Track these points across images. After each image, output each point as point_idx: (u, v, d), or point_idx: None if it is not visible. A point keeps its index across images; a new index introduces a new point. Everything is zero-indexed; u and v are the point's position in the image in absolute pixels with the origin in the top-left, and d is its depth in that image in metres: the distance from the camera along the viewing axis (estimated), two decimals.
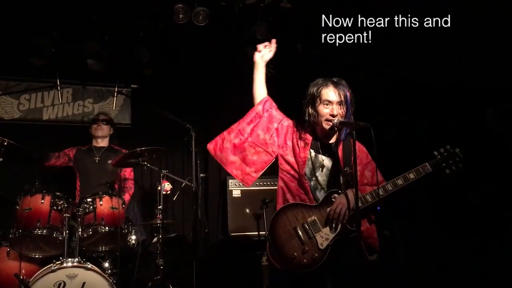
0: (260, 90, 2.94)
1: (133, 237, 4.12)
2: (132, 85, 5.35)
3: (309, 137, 2.81)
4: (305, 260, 2.61)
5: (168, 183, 4.54)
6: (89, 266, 3.56)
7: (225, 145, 2.85)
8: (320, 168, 2.78)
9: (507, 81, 4.38)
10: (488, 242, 4.47)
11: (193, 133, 4.19)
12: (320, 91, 2.77)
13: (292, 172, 2.79)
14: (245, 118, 2.91)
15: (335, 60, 5.07)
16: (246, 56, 5.00)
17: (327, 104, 2.75)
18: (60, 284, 3.42)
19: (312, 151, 2.79)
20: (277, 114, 2.90)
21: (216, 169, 5.47)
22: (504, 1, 4.03)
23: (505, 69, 4.34)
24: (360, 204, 2.62)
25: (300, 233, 2.66)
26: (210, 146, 2.91)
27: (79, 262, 3.57)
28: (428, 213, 5.07)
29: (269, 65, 5.16)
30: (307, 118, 2.81)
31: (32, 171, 4.30)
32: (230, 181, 5.21)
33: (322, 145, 2.82)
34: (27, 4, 4.44)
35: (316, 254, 2.61)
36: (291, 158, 2.80)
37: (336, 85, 2.78)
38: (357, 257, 2.62)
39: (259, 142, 2.83)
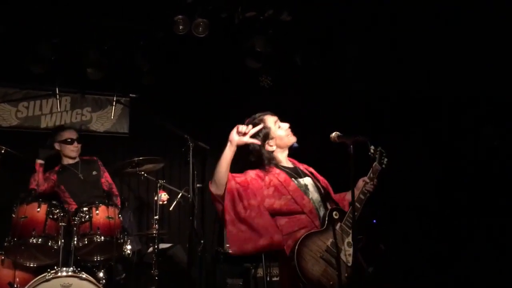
0: (226, 168, 2.60)
1: (129, 246, 4.10)
2: (131, 95, 5.36)
3: (278, 170, 2.77)
4: (342, 283, 2.57)
5: (165, 193, 4.53)
6: (84, 276, 3.54)
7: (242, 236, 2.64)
8: (308, 190, 2.78)
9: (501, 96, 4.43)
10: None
11: (191, 144, 4.19)
12: (265, 121, 2.78)
13: (293, 208, 2.70)
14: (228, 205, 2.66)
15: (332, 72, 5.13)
16: (245, 67, 5.06)
17: (276, 123, 2.79)
18: None
19: (292, 179, 2.76)
20: (241, 179, 2.71)
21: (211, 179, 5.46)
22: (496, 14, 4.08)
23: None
24: (355, 213, 2.65)
25: (329, 259, 2.61)
26: (235, 249, 2.64)
27: (73, 271, 3.55)
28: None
29: (267, 77, 5.28)
30: (267, 155, 2.76)
31: (29, 179, 4.27)
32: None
33: (291, 170, 2.81)
34: (27, 11, 4.47)
35: (346, 274, 2.60)
36: (283, 201, 2.70)
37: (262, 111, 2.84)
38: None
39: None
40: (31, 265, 3.78)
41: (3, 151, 3.79)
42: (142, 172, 4.26)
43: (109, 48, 4.91)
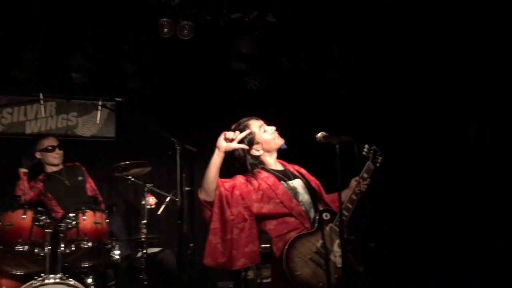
0: (215, 175, 2.58)
1: (117, 252, 4.04)
2: (116, 99, 5.31)
3: (266, 174, 2.76)
4: (332, 285, 2.57)
5: (153, 197, 4.51)
6: (72, 283, 3.49)
7: (219, 249, 2.62)
8: (298, 192, 2.77)
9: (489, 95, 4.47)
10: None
11: (178, 147, 4.18)
12: (249, 126, 2.77)
13: (282, 211, 2.69)
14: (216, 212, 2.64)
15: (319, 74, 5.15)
16: (231, 69, 5.05)
17: (261, 128, 2.78)
18: None
19: (281, 182, 2.75)
20: (229, 183, 2.68)
21: (200, 182, 5.45)
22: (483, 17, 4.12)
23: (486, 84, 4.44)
24: (346, 213, 2.67)
25: (318, 261, 2.61)
26: (208, 261, 2.62)
27: (61, 278, 3.50)
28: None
29: (253, 78, 5.28)
30: (252, 161, 2.75)
31: (14, 186, 4.21)
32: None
33: (281, 172, 2.80)
34: (9, 16, 4.42)
35: (336, 275, 2.59)
36: (271, 205, 2.68)
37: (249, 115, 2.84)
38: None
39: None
40: (18, 273, 3.72)
41: None
42: (130, 177, 4.22)
43: (94, 52, 4.88)
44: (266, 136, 2.79)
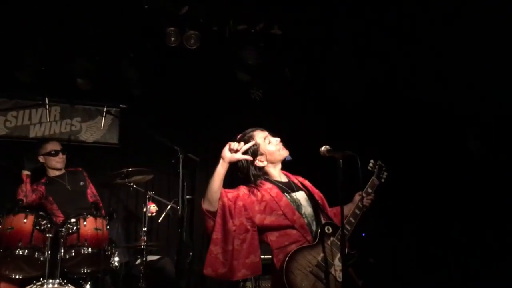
0: (219, 185, 2.61)
1: (116, 258, 4.05)
2: (121, 105, 5.35)
3: (270, 185, 2.77)
4: None
5: (154, 205, 4.51)
6: None
7: (220, 259, 2.62)
8: (301, 204, 2.77)
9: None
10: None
11: (181, 155, 4.18)
12: (254, 137, 2.79)
13: (284, 223, 2.69)
14: (219, 222, 2.65)
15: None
16: (236, 80, 5.08)
17: (266, 139, 2.80)
18: None
19: (285, 194, 2.75)
20: (233, 194, 2.69)
21: (203, 191, 5.44)
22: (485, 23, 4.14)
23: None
24: (348, 228, 2.69)
25: (318, 274, 2.60)
26: (208, 271, 2.62)
27: (60, 284, 3.51)
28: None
29: (257, 89, 5.31)
30: (255, 172, 2.76)
31: (16, 190, 4.22)
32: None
33: (284, 184, 2.81)
34: (15, 20, 4.46)
35: None
36: (274, 216, 2.69)
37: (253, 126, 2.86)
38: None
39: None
40: (17, 277, 3.72)
41: None
42: (131, 184, 4.23)
43: (99, 58, 4.92)
44: (270, 147, 2.80)
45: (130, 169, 4.15)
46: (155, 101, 5.37)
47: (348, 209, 2.81)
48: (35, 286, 3.44)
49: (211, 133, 5.22)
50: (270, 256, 2.75)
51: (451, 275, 4.71)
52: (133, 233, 5.27)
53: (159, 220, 4.83)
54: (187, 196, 4.92)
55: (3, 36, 4.52)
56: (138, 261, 4.50)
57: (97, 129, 5.32)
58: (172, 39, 4.60)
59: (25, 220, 3.66)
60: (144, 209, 4.39)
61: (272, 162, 2.82)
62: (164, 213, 4.78)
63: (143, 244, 4.27)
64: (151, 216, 4.58)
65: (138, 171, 4.24)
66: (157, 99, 5.37)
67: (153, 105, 5.37)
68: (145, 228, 4.33)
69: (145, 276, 4.19)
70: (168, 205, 4.69)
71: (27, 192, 4.14)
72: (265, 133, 2.84)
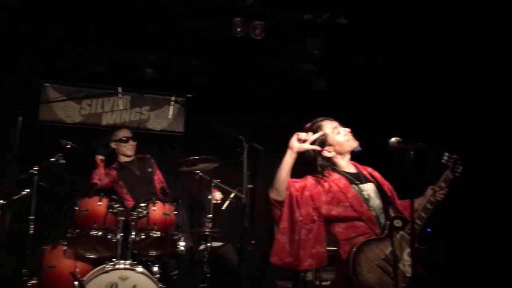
0: (287, 175, 2.62)
1: (182, 243, 4.17)
2: (187, 95, 5.48)
3: (337, 176, 2.74)
4: None
5: (219, 193, 4.60)
6: (140, 270, 3.65)
7: (287, 248, 2.65)
8: (369, 196, 2.73)
9: None
10: None
11: (245, 144, 4.24)
12: (323, 127, 2.77)
13: (351, 215, 2.68)
14: (286, 212, 2.66)
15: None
16: (302, 70, 5.07)
17: (335, 129, 2.77)
18: (112, 285, 3.53)
19: (353, 185, 2.72)
20: (300, 184, 2.71)
21: (264, 180, 5.52)
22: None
23: None
24: (419, 222, 2.64)
25: (386, 268, 2.57)
26: (275, 259, 2.66)
27: (130, 264, 3.67)
28: None
29: (321, 79, 5.27)
30: (322, 163, 2.75)
31: (90, 174, 4.45)
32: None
33: (353, 175, 2.78)
34: (91, 16, 4.66)
35: (404, 284, 2.56)
36: (341, 208, 2.68)
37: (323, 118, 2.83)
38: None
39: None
40: (91, 257, 3.90)
41: (68, 146, 3.98)
42: (197, 171, 4.34)
43: (167, 49, 5.06)
44: (339, 138, 2.78)
45: (196, 157, 4.25)
46: (220, 91, 5.45)
47: (418, 202, 2.74)
48: (108, 266, 3.61)
49: (276, 122, 5.24)
50: (333, 248, 2.75)
51: None
52: (196, 219, 5.41)
53: (223, 208, 4.93)
54: (249, 185, 5.01)
55: (79, 30, 4.75)
56: (202, 246, 4.63)
57: (164, 117, 5.50)
58: (238, 29, 4.63)
59: (99, 203, 3.84)
60: (209, 196, 4.49)
61: (340, 153, 2.80)
62: (227, 201, 4.86)
63: (207, 230, 4.38)
64: (216, 204, 4.68)
65: (204, 159, 4.34)
66: (223, 88, 5.45)
67: (218, 95, 5.46)
68: (211, 215, 4.43)
69: (209, 261, 4.29)
70: (232, 193, 4.77)
71: (101, 175, 4.37)
72: (334, 123, 2.82)
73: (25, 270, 3.76)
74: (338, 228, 2.69)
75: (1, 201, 3.75)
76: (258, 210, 5.58)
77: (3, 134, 4.17)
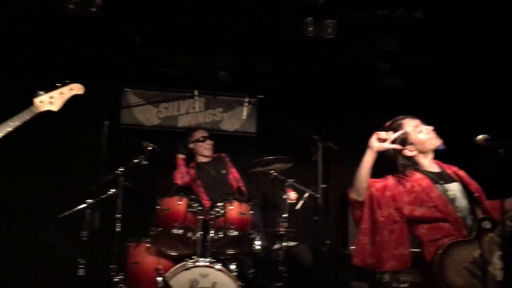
0: (367, 174, 2.60)
1: (258, 242, 4.22)
2: (258, 96, 5.56)
3: (419, 175, 2.67)
4: None
5: (294, 192, 4.62)
6: (219, 267, 3.75)
7: (368, 249, 2.64)
8: (455, 196, 2.64)
9: None
10: None
11: (320, 144, 4.24)
12: (403, 125, 2.70)
13: (436, 216, 2.62)
14: (366, 212, 2.65)
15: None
16: (375, 68, 4.97)
17: (417, 127, 2.69)
18: (193, 281, 3.66)
19: (436, 185, 2.64)
20: (380, 184, 2.67)
21: (337, 180, 5.48)
22: None
23: None
24: (510, 224, 2.51)
25: (474, 271, 2.50)
26: (357, 260, 2.66)
27: (210, 262, 3.78)
28: None
29: (396, 77, 5.13)
30: (404, 162, 2.69)
31: (170, 174, 4.63)
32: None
33: (436, 174, 2.69)
34: (167, 22, 4.83)
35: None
36: (424, 208, 2.62)
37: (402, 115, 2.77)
38: None
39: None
40: (172, 254, 4.04)
41: (150, 148, 4.17)
42: (272, 171, 4.39)
43: (239, 51, 5.15)
44: (421, 136, 2.71)
45: (271, 157, 4.30)
46: (292, 91, 5.47)
47: (509, 203, 2.61)
48: (189, 263, 3.73)
49: (350, 121, 5.19)
50: (415, 249, 2.68)
51: None
52: (269, 218, 5.46)
53: (297, 207, 4.94)
54: (322, 185, 4.99)
55: (156, 37, 4.94)
56: (276, 246, 4.66)
57: (237, 119, 5.61)
58: (310, 29, 4.62)
59: (179, 202, 3.98)
60: (284, 196, 4.52)
61: (422, 152, 2.73)
62: (301, 201, 4.87)
63: (282, 230, 4.41)
64: (290, 203, 4.70)
65: (278, 159, 4.38)
66: (295, 88, 5.47)
67: (290, 95, 5.48)
68: (286, 215, 4.45)
69: (284, 261, 4.32)
70: (305, 192, 4.77)
71: (183, 174, 4.54)
72: (416, 121, 2.75)
73: (112, 266, 3.98)
74: (422, 229, 2.63)
75: (91, 200, 3.99)
76: (331, 210, 5.54)
77: (91, 137, 4.44)
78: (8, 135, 2.64)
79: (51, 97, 2.74)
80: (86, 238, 3.95)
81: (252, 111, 5.62)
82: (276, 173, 4.42)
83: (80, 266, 3.93)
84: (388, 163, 2.75)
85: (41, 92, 2.74)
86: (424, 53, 4.82)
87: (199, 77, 5.30)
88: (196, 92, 5.20)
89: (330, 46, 4.80)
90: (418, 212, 2.62)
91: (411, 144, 2.71)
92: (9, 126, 2.62)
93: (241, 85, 5.49)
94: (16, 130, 2.66)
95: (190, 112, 5.55)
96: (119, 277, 3.96)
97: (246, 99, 5.45)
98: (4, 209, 4.64)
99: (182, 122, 5.57)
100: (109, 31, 4.61)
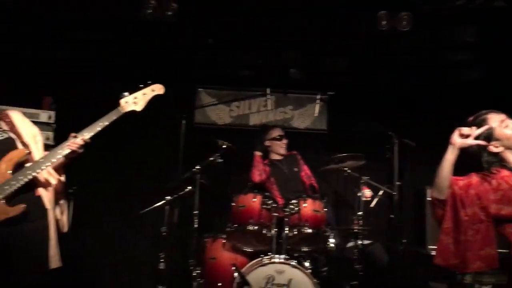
0: (449, 172, 2.52)
1: (332, 240, 4.20)
2: (329, 92, 5.51)
3: (507, 172, 2.53)
4: None
5: (369, 190, 4.55)
6: (294, 264, 3.77)
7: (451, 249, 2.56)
8: None
9: None
10: None
11: (395, 140, 4.14)
12: (488, 120, 2.56)
13: None
14: (449, 211, 2.57)
15: None
16: (452, 62, 4.77)
17: (503, 122, 2.55)
18: (270, 277, 3.70)
19: None
20: (464, 182, 2.57)
21: (412, 177, 5.33)
22: None
23: None
24: None
25: None
26: (439, 260, 2.59)
27: (285, 259, 3.80)
28: None
29: (476, 69, 4.90)
30: (489, 159, 2.57)
31: (244, 173, 4.71)
32: (429, 191, 4.98)
33: None
34: (237, 22, 4.91)
35: None
36: None
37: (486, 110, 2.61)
38: None
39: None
40: (248, 250, 4.12)
41: (224, 146, 4.26)
42: (346, 168, 4.34)
43: (309, 48, 5.13)
44: (507, 131, 2.58)
45: (344, 155, 4.25)
46: (365, 87, 5.38)
47: None
48: (265, 260, 3.78)
49: (424, 115, 5.02)
50: (502, 250, 2.55)
51: None
52: (342, 216, 5.40)
53: (372, 205, 4.84)
54: (397, 183, 4.86)
55: (228, 37, 5.03)
56: (349, 244, 4.60)
57: (308, 116, 5.59)
58: (383, 22, 4.51)
59: (254, 199, 4.04)
60: (359, 194, 4.46)
61: (509, 148, 2.59)
62: (376, 198, 4.77)
63: (356, 228, 4.35)
64: (365, 201, 4.63)
65: (351, 156, 4.32)
66: (368, 84, 5.37)
67: (363, 91, 5.38)
68: (361, 212, 4.39)
69: (360, 259, 4.27)
70: (380, 190, 4.67)
71: (261, 171, 4.59)
72: (502, 116, 2.62)
73: (191, 261, 4.12)
74: (510, 229, 2.50)
75: (169, 197, 4.15)
76: (406, 208, 5.39)
77: (169, 136, 4.61)
78: (97, 135, 2.81)
79: (135, 98, 2.88)
80: (165, 233, 4.12)
81: (323, 108, 5.58)
82: (349, 170, 4.36)
83: (161, 260, 4.09)
84: (471, 160, 2.64)
85: (125, 93, 2.88)
86: (506, 43, 4.55)
87: (269, 75, 5.34)
88: (268, 90, 5.24)
89: (406, 39, 4.67)
90: (506, 211, 2.49)
91: (497, 140, 2.59)
92: (98, 126, 2.78)
93: (311, 82, 5.46)
94: (104, 130, 2.81)
95: (261, 110, 5.61)
96: (197, 271, 4.08)
97: (318, 96, 5.42)
98: (90, 205, 4.91)
99: (254, 120, 5.64)
100: (183, 34, 4.76)
